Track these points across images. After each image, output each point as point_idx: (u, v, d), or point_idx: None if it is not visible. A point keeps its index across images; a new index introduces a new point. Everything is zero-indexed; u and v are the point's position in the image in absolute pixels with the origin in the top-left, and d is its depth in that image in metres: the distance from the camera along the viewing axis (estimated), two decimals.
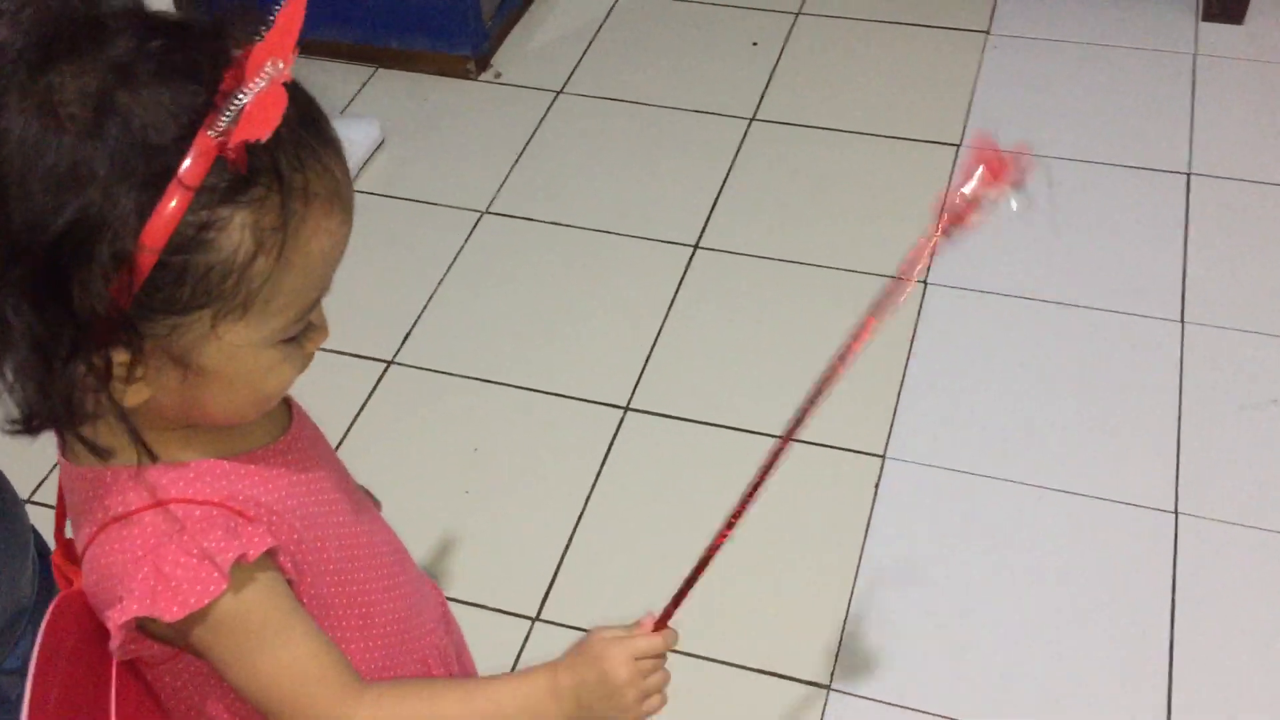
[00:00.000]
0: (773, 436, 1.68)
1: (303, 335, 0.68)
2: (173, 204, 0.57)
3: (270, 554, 0.70)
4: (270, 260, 0.60)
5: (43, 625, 0.72)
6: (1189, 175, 2.04)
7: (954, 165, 2.09)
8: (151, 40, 0.58)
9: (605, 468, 1.68)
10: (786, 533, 1.59)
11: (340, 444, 1.71)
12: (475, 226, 2.04)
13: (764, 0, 2.49)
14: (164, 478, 0.68)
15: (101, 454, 0.65)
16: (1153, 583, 1.51)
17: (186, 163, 0.57)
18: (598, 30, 2.44)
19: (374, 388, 1.79)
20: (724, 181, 2.10)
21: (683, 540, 1.56)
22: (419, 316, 1.89)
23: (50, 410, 0.62)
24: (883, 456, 1.67)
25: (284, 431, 0.76)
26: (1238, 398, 1.70)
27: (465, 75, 2.33)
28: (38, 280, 0.58)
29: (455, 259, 1.99)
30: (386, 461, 1.69)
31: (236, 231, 0.59)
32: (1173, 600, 1.49)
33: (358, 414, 1.76)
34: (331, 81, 2.33)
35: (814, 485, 1.64)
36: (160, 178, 0.57)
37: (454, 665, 0.94)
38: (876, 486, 1.63)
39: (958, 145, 2.13)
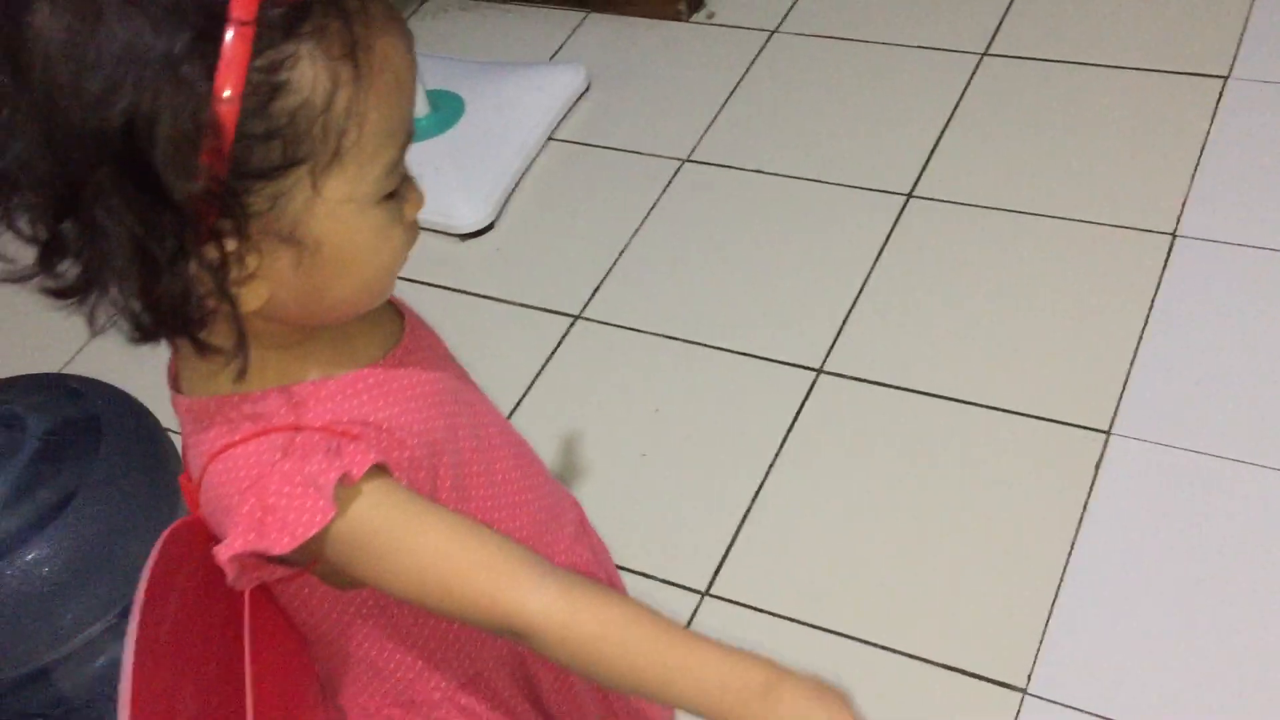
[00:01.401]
0: (979, 406, 1.53)
1: (400, 195, 0.64)
2: (232, 42, 0.54)
3: (380, 468, 0.65)
4: (349, 94, 0.58)
5: (152, 554, 0.69)
6: None
7: (1218, 102, 1.82)
8: None
9: (791, 435, 1.56)
10: (992, 516, 1.42)
11: (520, 402, 1.67)
12: (675, 176, 1.95)
13: None
14: (268, 404, 0.66)
15: (224, 355, 0.62)
16: None
17: (234, 1, 0.54)
18: None
19: (559, 344, 1.74)
20: (946, 124, 1.91)
21: (870, 520, 1.44)
22: (609, 270, 1.82)
23: (164, 318, 0.60)
24: (1108, 433, 1.47)
25: (396, 343, 0.72)
26: None
27: (677, 17, 2.23)
28: (124, 174, 0.55)
29: (651, 210, 1.90)
30: (566, 419, 1.63)
31: (308, 66, 0.56)
32: None
33: (540, 370, 1.71)
34: (541, 29, 2.28)
35: (1024, 463, 1.46)
36: (213, 23, 0.54)
37: (600, 576, 0.88)
38: (1097, 467, 1.44)
39: (1225, 77, 1.85)
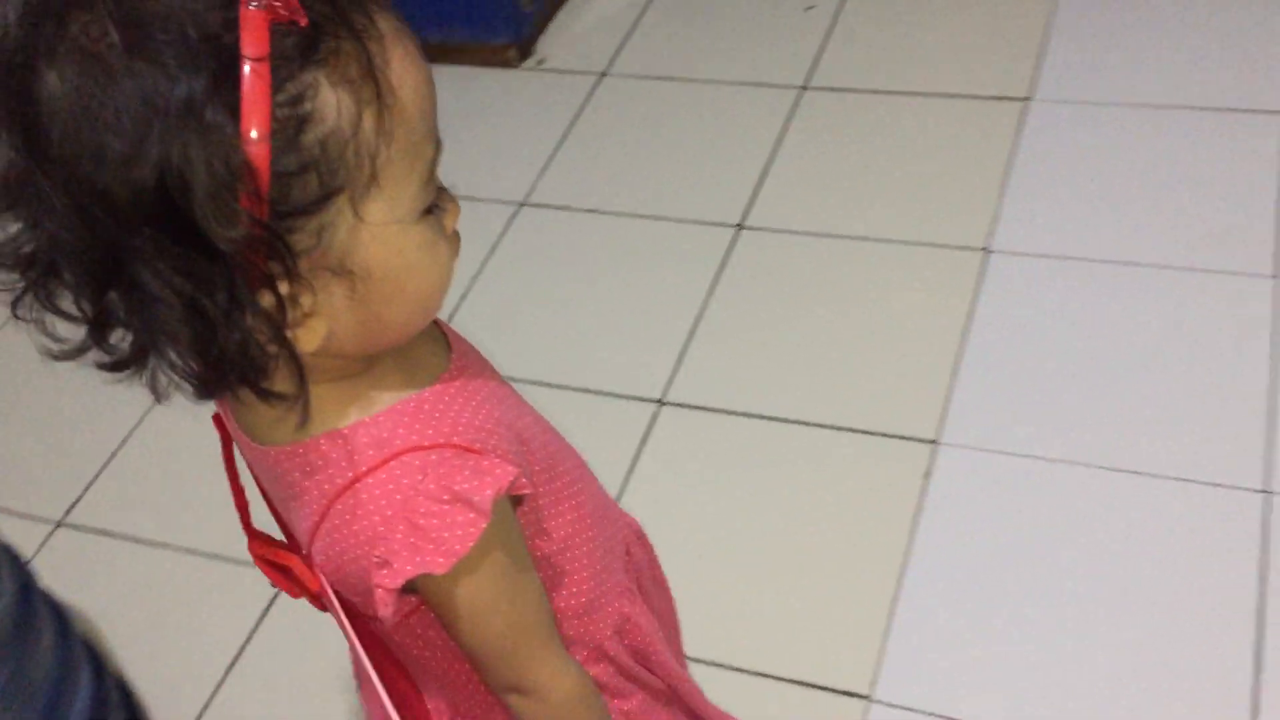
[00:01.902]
0: (813, 425, 1.58)
1: (439, 207, 0.63)
2: (251, 80, 0.52)
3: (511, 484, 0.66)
4: (374, 113, 0.56)
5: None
6: None
7: (1021, 123, 1.93)
8: None
9: (636, 467, 1.58)
10: (829, 530, 1.47)
11: None
12: (513, 219, 1.97)
13: None
14: (378, 431, 0.64)
15: (289, 400, 0.61)
16: (1238, 570, 1.34)
17: (243, 38, 0.52)
18: (645, 8, 2.34)
19: None
20: (771, 156, 1.98)
21: (714, 545, 1.47)
22: (451, 316, 1.83)
23: (226, 373, 0.58)
24: (935, 443, 1.53)
25: (449, 353, 0.71)
26: None
27: (507, 64, 2.27)
28: (164, 233, 0.53)
29: (490, 254, 1.92)
30: None
31: (329, 92, 0.55)
32: (1261, 589, 1.32)
33: None
34: None
35: (856, 476, 1.52)
36: (228, 63, 0.52)
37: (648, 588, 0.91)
38: (927, 476, 1.50)
39: (1026, 99, 1.96)
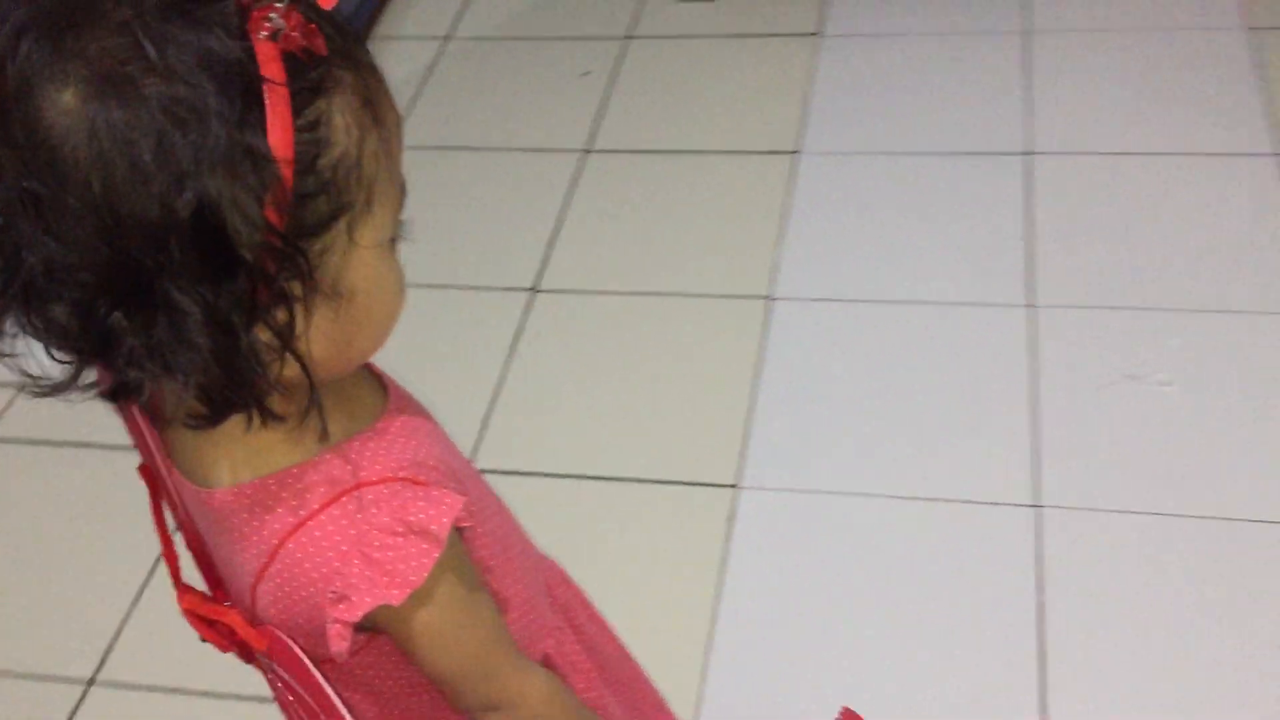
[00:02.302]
0: (618, 480, 1.62)
1: (396, 239, 0.65)
2: (276, 105, 0.54)
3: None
4: (373, 140, 0.59)
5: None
6: (1029, 155, 2.00)
7: (792, 174, 2.03)
8: None
9: None
10: (641, 582, 1.50)
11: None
12: None
13: (592, 28, 2.43)
14: (327, 470, 0.64)
15: (288, 420, 0.62)
16: (1017, 581, 1.44)
17: (263, 66, 0.54)
18: (424, 80, 2.37)
19: None
20: (560, 219, 2.03)
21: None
22: None
23: (238, 389, 0.58)
24: (735, 487, 1.59)
25: (385, 397, 0.72)
26: (1093, 378, 1.65)
27: None
28: (193, 249, 0.53)
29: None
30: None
31: (339, 118, 0.57)
32: (1040, 598, 1.43)
33: None
34: None
35: (662, 527, 1.56)
36: (254, 90, 0.53)
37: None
38: (730, 520, 1.56)
39: (795, 152, 2.07)
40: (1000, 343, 1.72)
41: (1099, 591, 1.43)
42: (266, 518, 0.65)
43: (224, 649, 0.75)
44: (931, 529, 1.52)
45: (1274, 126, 1.96)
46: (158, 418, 0.69)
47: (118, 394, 0.58)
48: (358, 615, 0.63)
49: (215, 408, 0.59)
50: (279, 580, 0.66)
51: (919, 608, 1.44)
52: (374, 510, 0.63)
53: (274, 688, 0.79)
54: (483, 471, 1.57)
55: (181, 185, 0.52)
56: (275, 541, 0.65)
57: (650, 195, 2.05)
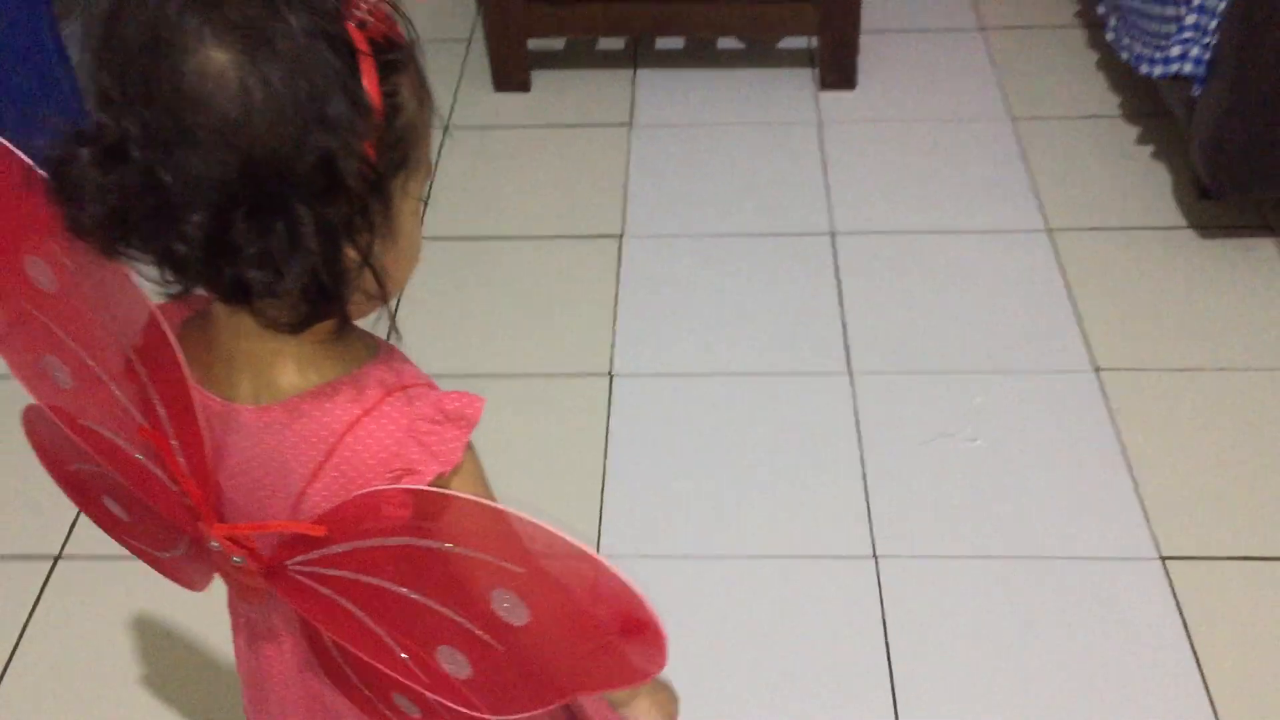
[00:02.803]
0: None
1: (424, 203, 0.81)
2: (371, 75, 0.68)
3: None
4: (426, 111, 0.75)
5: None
6: (833, 235, 2.18)
7: (619, 255, 2.14)
8: None
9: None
10: None
11: None
12: None
13: None
14: (379, 373, 0.77)
15: (349, 319, 0.75)
16: (865, 630, 1.57)
17: (358, 42, 0.68)
18: None
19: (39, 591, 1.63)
20: (394, 311, 2.05)
21: None
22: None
23: (337, 292, 0.70)
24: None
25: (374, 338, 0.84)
26: (911, 437, 1.81)
27: None
28: (316, 175, 0.67)
29: None
30: None
31: (405, 90, 0.72)
32: (886, 644, 1.55)
33: None
34: None
35: None
36: (353, 58, 0.68)
37: None
38: None
39: (620, 235, 2.18)
40: (827, 408, 1.86)
41: (936, 627, 1.56)
42: (324, 419, 0.76)
43: (243, 589, 0.86)
44: (780, 585, 1.62)
45: (1043, 205, 2.21)
46: (213, 345, 0.79)
47: (234, 295, 0.70)
48: (427, 480, 0.75)
49: (312, 310, 0.71)
50: (337, 472, 0.77)
51: (774, 659, 1.54)
52: (419, 403, 0.77)
53: (256, 630, 0.91)
54: None
55: (309, 122, 0.66)
56: (334, 438, 0.76)
57: (490, 281, 2.12)
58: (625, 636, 0.74)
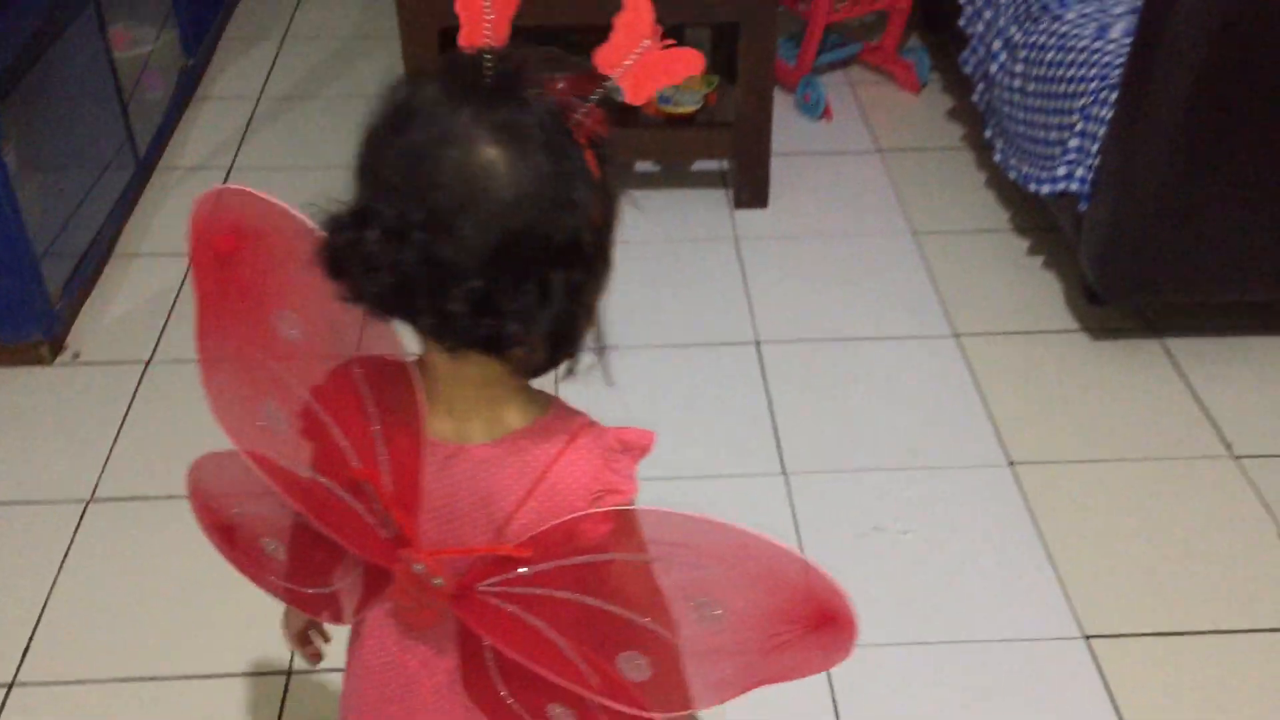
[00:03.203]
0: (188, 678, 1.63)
1: None
2: (593, 161, 0.83)
3: None
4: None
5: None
6: (758, 343, 2.30)
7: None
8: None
9: None
10: None
11: None
12: (82, 519, 1.90)
13: None
14: (563, 423, 0.93)
15: (568, 367, 0.90)
16: (816, 713, 1.64)
17: (582, 138, 0.84)
18: (178, 294, 2.39)
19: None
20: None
21: None
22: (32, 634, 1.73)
23: (573, 339, 0.87)
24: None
25: None
26: (846, 531, 1.91)
27: (39, 361, 2.20)
28: (566, 244, 0.82)
29: (65, 557, 1.84)
30: None
31: (610, 174, 0.86)
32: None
33: None
34: None
35: None
36: (581, 152, 0.83)
37: None
38: None
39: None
40: (765, 506, 1.95)
41: (885, 715, 1.64)
42: (536, 453, 0.91)
43: (419, 614, 0.97)
44: None
45: (948, 312, 2.37)
46: (431, 394, 0.91)
47: (490, 345, 0.84)
48: (624, 502, 0.89)
49: (551, 357, 0.87)
50: (541, 500, 0.90)
51: None
52: (605, 436, 0.92)
53: (408, 665, 1.00)
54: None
55: (560, 203, 0.82)
56: (542, 469, 0.90)
57: None
58: (816, 630, 0.85)
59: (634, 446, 0.92)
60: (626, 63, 0.83)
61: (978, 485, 2.00)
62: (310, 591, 1.06)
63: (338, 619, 1.06)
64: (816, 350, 2.29)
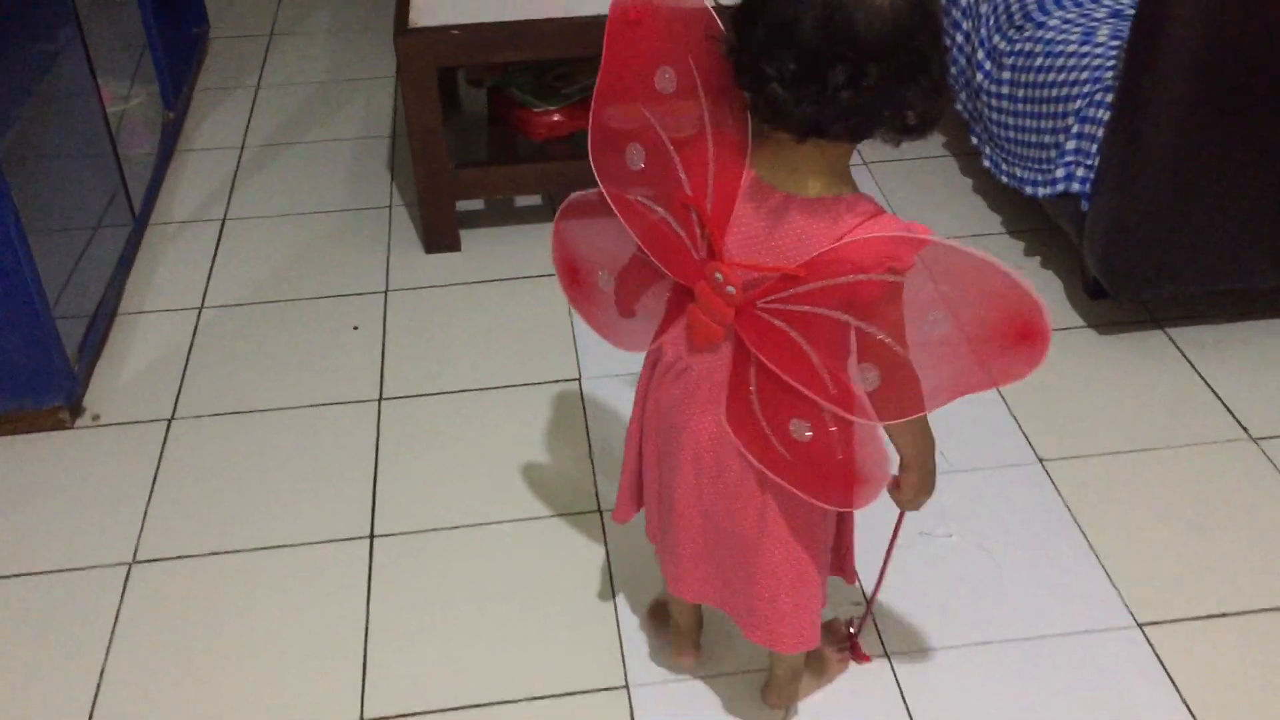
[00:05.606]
0: None
1: None
2: None
3: None
4: None
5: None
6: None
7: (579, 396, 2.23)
8: None
9: None
10: None
11: None
12: (127, 582, 1.88)
13: (355, 285, 2.55)
14: (864, 196, 1.21)
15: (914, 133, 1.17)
16: None
17: None
18: (190, 348, 2.37)
19: None
20: (375, 464, 2.09)
21: None
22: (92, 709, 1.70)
23: (938, 114, 1.15)
24: None
25: None
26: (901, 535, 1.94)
27: (60, 426, 2.16)
28: (926, 49, 1.13)
29: (115, 625, 1.81)
30: None
31: None
32: None
33: None
34: None
35: None
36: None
37: None
38: None
39: (579, 379, 2.28)
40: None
41: (960, 717, 1.67)
42: (840, 217, 1.18)
43: (707, 331, 1.27)
44: None
45: None
46: (777, 156, 1.21)
47: (857, 133, 1.16)
48: (909, 264, 1.13)
49: (922, 126, 1.14)
50: (839, 261, 1.16)
51: None
52: (893, 222, 1.17)
53: (684, 403, 1.34)
54: None
55: (919, 23, 1.11)
56: (839, 235, 1.17)
57: (454, 431, 2.17)
58: (1020, 340, 1.12)
59: (921, 233, 1.13)
60: None
61: (1012, 484, 2.04)
62: (616, 319, 1.43)
63: (629, 345, 1.44)
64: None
